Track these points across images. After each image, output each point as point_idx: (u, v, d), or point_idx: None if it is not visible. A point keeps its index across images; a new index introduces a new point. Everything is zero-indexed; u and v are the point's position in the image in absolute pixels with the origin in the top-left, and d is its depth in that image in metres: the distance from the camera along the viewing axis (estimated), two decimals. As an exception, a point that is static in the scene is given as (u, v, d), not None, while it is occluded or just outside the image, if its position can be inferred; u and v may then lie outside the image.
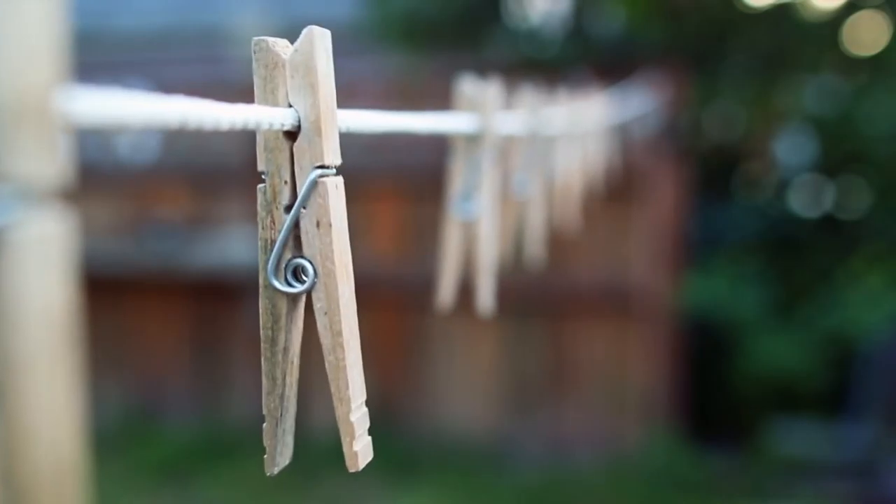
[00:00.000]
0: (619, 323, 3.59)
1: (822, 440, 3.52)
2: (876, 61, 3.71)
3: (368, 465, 0.58)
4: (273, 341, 0.56)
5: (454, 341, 3.77)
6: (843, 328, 3.46)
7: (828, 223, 3.93)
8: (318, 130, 0.54)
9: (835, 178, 3.98)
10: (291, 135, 0.54)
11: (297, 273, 0.56)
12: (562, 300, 3.63)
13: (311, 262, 0.55)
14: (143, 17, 4.50)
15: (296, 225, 0.55)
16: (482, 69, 1.48)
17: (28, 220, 0.33)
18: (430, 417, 3.80)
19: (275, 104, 0.54)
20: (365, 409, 0.58)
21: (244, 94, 0.54)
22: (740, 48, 3.76)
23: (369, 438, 0.58)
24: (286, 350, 0.56)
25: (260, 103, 0.54)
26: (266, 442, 0.57)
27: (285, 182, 0.55)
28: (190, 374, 4.08)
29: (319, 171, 0.54)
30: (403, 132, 0.77)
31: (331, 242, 0.54)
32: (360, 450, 0.56)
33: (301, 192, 0.54)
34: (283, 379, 0.57)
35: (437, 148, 1.25)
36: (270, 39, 0.54)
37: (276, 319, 0.56)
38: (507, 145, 1.14)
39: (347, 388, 0.55)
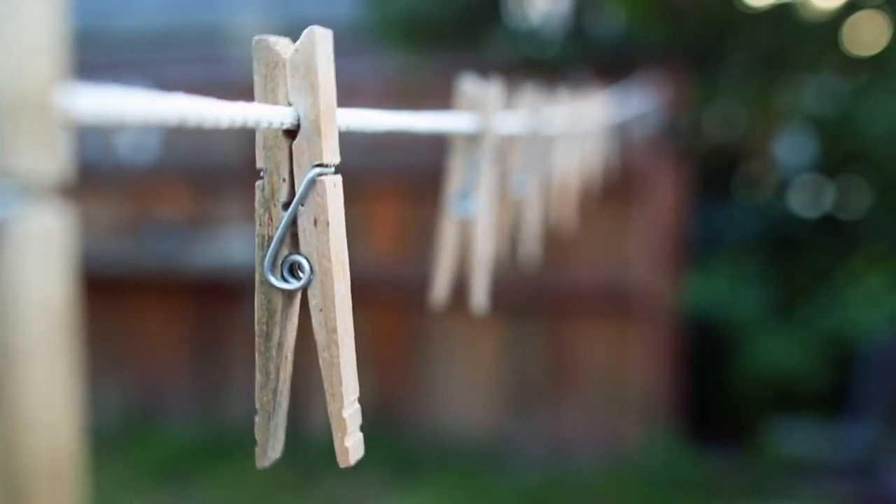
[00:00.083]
0: (619, 323, 3.59)
1: (822, 440, 3.52)
2: (876, 61, 3.71)
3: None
4: (268, 336, 0.57)
5: (454, 341, 3.77)
6: (843, 328, 3.46)
7: (828, 223, 3.93)
8: (317, 129, 0.54)
9: (835, 178, 3.98)
10: (291, 133, 0.55)
11: (294, 270, 0.56)
12: (562, 300, 3.64)
13: (307, 260, 0.55)
14: (143, 17, 4.50)
15: (293, 222, 0.55)
16: (482, 69, 1.49)
17: (28, 214, 0.33)
18: (430, 417, 3.80)
19: (275, 103, 0.54)
20: (358, 406, 0.58)
21: (244, 93, 0.54)
22: (740, 48, 3.76)
23: (361, 435, 0.58)
24: (280, 345, 0.57)
25: (260, 102, 0.54)
26: (258, 435, 0.58)
27: (284, 180, 0.55)
28: (190, 374, 4.08)
29: (318, 170, 0.54)
30: (403, 132, 0.77)
31: (328, 240, 0.55)
32: (352, 446, 0.57)
33: (299, 189, 0.55)
34: (277, 374, 0.57)
35: (437, 148, 1.25)
36: (271, 38, 0.54)
37: (271, 315, 0.57)
38: (506, 145, 1.15)
39: (341, 384, 0.56)
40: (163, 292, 4.06)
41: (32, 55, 0.33)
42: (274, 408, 0.58)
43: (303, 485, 3.39)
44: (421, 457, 3.62)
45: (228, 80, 2.79)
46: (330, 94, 0.55)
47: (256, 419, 0.58)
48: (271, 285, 0.56)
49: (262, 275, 0.56)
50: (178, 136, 3.89)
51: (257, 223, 0.56)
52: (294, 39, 0.55)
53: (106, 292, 3.85)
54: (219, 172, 3.90)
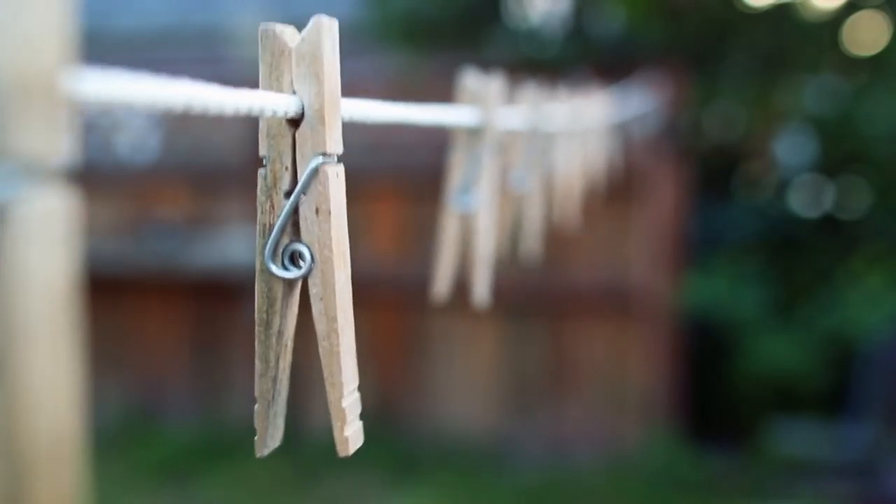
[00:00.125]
0: (619, 323, 3.59)
1: (822, 440, 3.52)
2: (876, 61, 3.72)
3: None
4: (268, 325, 0.57)
5: (454, 341, 3.77)
6: (843, 328, 3.46)
7: (828, 223, 3.93)
8: (321, 119, 0.54)
9: (835, 178, 3.98)
10: (294, 122, 0.55)
11: (294, 258, 0.56)
12: (562, 300, 3.64)
13: (308, 248, 0.55)
14: (143, 17, 4.50)
15: (295, 211, 0.55)
16: (482, 69, 1.49)
17: (33, 196, 0.33)
18: (430, 417, 3.80)
19: (279, 91, 0.54)
20: (357, 395, 0.58)
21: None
22: (740, 48, 3.76)
23: (360, 424, 0.58)
24: (280, 334, 0.57)
25: (264, 90, 0.54)
26: (257, 424, 0.58)
27: (286, 168, 0.55)
28: (190, 374, 4.08)
29: (321, 159, 0.54)
30: (405, 125, 0.77)
31: (329, 229, 0.55)
32: (351, 435, 0.57)
33: (302, 178, 0.55)
34: (276, 362, 0.57)
35: (437, 148, 1.25)
36: (278, 26, 0.55)
37: (271, 303, 0.57)
38: (507, 140, 1.15)
39: (340, 373, 0.56)
40: (163, 292, 4.05)
41: (40, 37, 0.33)
42: (273, 396, 0.58)
43: (303, 484, 3.39)
44: (421, 457, 3.61)
45: (229, 80, 2.79)
46: (334, 83, 0.55)
47: (256, 407, 0.58)
48: (272, 274, 0.56)
49: (263, 263, 0.56)
50: (178, 136, 3.89)
51: (259, 211, 0.56)
52: (295, 40, 0.55)
53: (106, 292, 3.85)
54: (219, 172, 3.90)
